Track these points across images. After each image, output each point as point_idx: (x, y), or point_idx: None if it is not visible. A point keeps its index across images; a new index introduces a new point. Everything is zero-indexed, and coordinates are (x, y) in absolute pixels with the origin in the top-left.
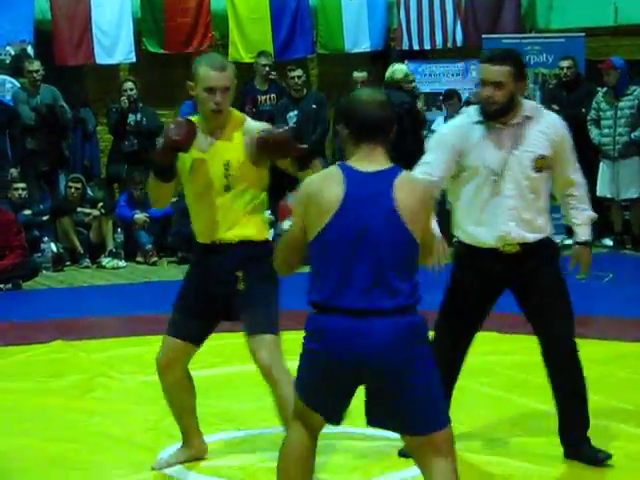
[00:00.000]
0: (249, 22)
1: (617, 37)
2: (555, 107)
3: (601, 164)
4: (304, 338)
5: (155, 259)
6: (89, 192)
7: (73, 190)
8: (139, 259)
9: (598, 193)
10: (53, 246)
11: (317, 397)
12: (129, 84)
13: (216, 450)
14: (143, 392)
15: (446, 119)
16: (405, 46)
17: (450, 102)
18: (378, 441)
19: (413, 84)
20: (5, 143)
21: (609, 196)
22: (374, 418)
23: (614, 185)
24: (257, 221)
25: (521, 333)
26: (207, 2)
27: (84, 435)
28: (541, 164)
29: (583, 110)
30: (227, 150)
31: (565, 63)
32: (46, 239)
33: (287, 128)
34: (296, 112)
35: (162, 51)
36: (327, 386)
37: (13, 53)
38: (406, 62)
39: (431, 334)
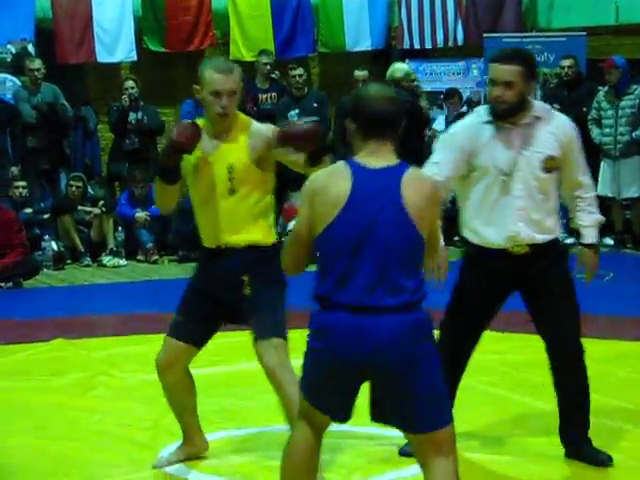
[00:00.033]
0: (250, 20)
1: (618, 36)
2: (556, 106)
3: (602, 163)
4: (308, 336)
5: (156, 257)
6: (90, 190)
7: (74, 188)
8: (140, 257)
9: (599, 192)
10: (54, 244)
11: (322, 396)
12: (130, 82)
13: (217, 448)
14: (144, 390)
15: (447, 118)
16: (406, 45)
17: (451, 101)
18: (379, 440)
19: (415, 83)
20: (6, 141)
21: (610, 195)
22: (378, 414)
23: (615, 184)
24: (263, 225)
25: (520, 332)
26: (208, 0)
27: (85, 433)
28: (550, 165)
29: (584, 109)
30: (231, 153)
31: (566, 62)
32: (47, 237)
33: (315, 120)
34: (297, 111)
35: (163, 49)
36: (331, 385)
37: (14, 51)
38: (407, 61)
39: (437, 333)
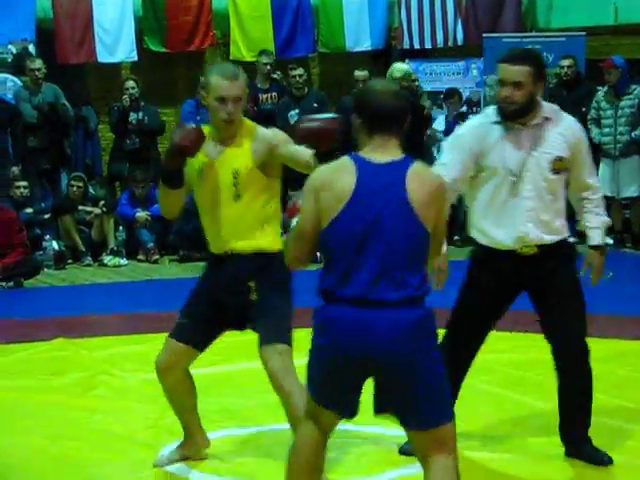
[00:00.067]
0: (250, 20)
1: (617, 36)
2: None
3: (601, 163)
4: (312, 332)
5: (156, 257)
6: (91, 190)
7: (75, 188)
8: (140, 257)
9: None
10: (55, 244)
11: (327, 392)
12: (131, 82)
13: (217, 447)
14: (144, 390)
15: (447, 118)
16: (406, 45)
17: (451, 101)
18: (380, 439)
19: (416, 83)
20: (7, 141)
21: (609, 194)
22: (380, 408)
23: (614, 184)
24: (270, 232)
25: (519, 331)
26: (208, 1)
27: (85, 433)
28: (559, 166)
29: (583, 109)
30: (236, 158)
31: (565, 62)
32: (48, 237)
33: (336, 116)
34: (297, 111)
35: (164, 49)
36: (336, 380)
37: (15, 51)
38: (407, 61)
39: (442, 332)
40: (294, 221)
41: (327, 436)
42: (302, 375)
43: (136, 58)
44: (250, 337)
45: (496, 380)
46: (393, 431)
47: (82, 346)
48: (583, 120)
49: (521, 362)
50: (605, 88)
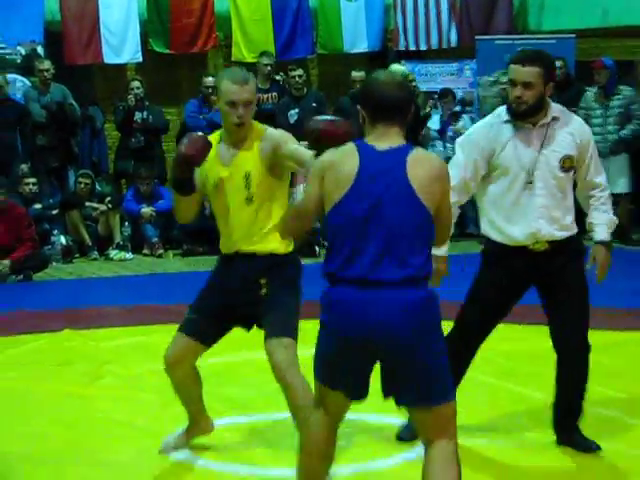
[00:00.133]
0: (251, 23)
1: (606, 38)
2: None
3: None
4: (320, 313)
5: (161, 252)
6: (97, 187)
7: (83, 185)
8: (145, 252)
9: None
10: (62, 239)
11: (333, 373)
12: (136, 83)
13: (220, 435)
14: (149, 379)
15: (441, 117)
16: (402, 46)
17: (445, 100)
18: (382, 427)
19: (413, 83)
20: (16, 140)
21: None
22: (388, 391)
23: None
24: None
25: (510, 323)
26: (211, 4)
27: (92, 421)
28: (568, 164)
29: (574, 109)
30: (247, 161)
31: (556, 63)
32: (56, 232)
33: (345, 120)
34: (297, 110)
35: (168, 51)
36: (341, 361)
37: (24, 53)
38: (403, 62)
39: (446, 324)
40: (297, 193)
41: (337, 424)
42: (307, 368)
43: (141, 59)
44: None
45: (491, 371)
46: (396, 420)
47: (89, 337)
48: None
49: (510, 352)
50: (594, 89)
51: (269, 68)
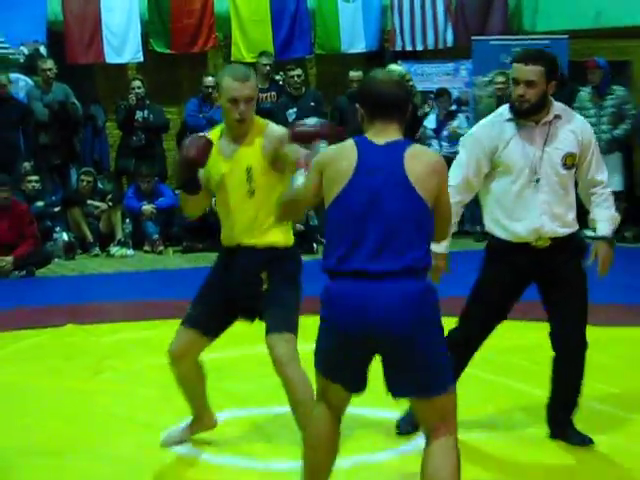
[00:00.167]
0: (251, 24)
1: (599, 39)
2: None
3: None
4: (320, 308)
5: (161, 248)
6: (99, 185)
7: (85, 183)
8: (146, 248)
9: None
10: (65, 235)
11: (333, 367)
12: (137, 82)
13: (220, 429)
14: (150, 373)
15: (438, 116)
16: (398, 47)
17: (441, 100)
18: (380, 421)
19: (410, 83)
20: (19, 138)
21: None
22: (388, 383)
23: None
24: (282, 227)
25: (508, 319)
26: (211, 4)
27: (94, 415)
28: (570, 161)
29: None
30: (249, 156)
31: None
32: (58, 229)
33: (326, 122)
34: (295, 109)
35: (168, 51)
36: (340, 355)
37: (27, 52)
38: (400, 62)
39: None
40: (299, 178)
41: (340, 417)
42: (307, 362)
43: (142, 59)
44: (247, 326)
45: (488, 367)
46: (392, 414)
47: (91, 332)
48: None
49: (512, 349)
50: (588, 88)
51: (268, 68)
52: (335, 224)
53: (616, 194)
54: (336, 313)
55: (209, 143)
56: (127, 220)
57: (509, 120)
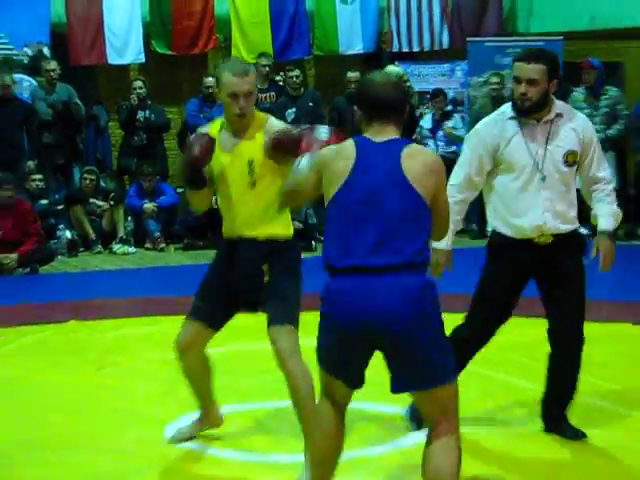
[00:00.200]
0: (250, 25)
1: (593, 41)
2: None
3: None
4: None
5: (163, 246)
6: (102, 183)
7: (88, 181)
8: (148, 246)
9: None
10: (68, 233)
11: (334, 363)
12: (139, 83)
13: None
14: (152, 368)
15: (433, 116)
16: (395, 48)
17: (436, 100)
18: (379, 415)
19: (408, 84)
20: (23, 138)
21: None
22: (390, 380)
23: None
24: (282, 218)
25: None
26: (211, 6)
27: (97, 409)
28: (572, 159)
29: None
30: (250, 150)
31: None
32: (61, 227)
33: (302, 129)
34: (294, 109)
35: (169, 52)
36: (341, 352)
37: (31, 54)
38: (397, 63)
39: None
40: (302, 161)
41: (343, 412)
42: (309, 356)
43: (144, 60)
44: (248, 321)
45: (485, 363)
46: (389, 408)
47: (94, 328)
48: None
49: (509, 345)
50: (581, 89)
51: (267, 69)
52: (335, 222)
53: None
54: (336, 310)
55: (212, 142)
56: (129, 218)
57: (511, 118)
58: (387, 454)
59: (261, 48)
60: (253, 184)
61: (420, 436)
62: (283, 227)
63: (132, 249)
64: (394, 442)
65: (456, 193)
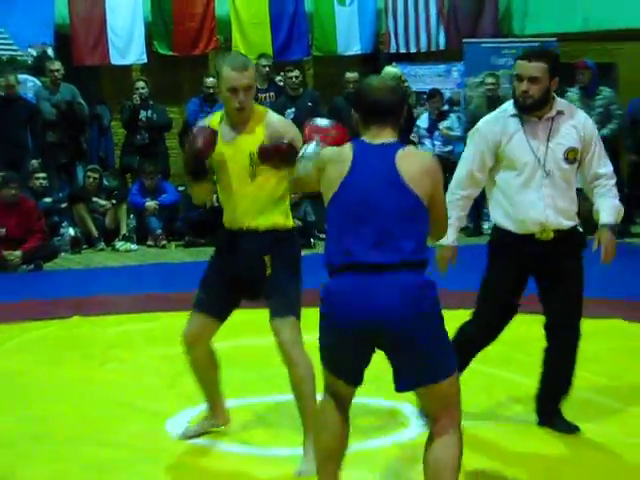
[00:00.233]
0: (250, 27)
1: (586, 42)
2: None
3: None
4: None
5: (164, 243)
6: (105, 182)
7: (91, 180)
8: (150, 243)
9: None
10: (71, 231)
11: (335, 362)
12: (141, 83)
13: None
14: (154, 363)
15: (430, 115)
16: (393, 49)
17: (433, 100)
18: (379, 409)
19: (405, 84)
20: (27, 137)
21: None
22: (393, 378)
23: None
24: (282, 209)
25: None
26: (212, 8)
27: (101, 403)
28: (572, 156)
29: None
30: (250, 143)
31: None
32: (65, 224)
33: (286, 141)
34: (293, 109)
35: (171, 53)
36: (341, 352)
37: (35, 54)
38: (394, 64)
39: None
40: (308, 149)
41: (347, 408)
42: (309, 351)
43: (146, 61)
44: (248, 316)
45: (486, 359)
46: (389, 403)
47: (96, 324)
48: None
49: (508, 341)
50: (576, 89)
51: (267, 69)
52: (334, 222)
53: None
54: (335, 311)
55: (214, 134)
56: (131, 216)
57: (513, 116)
58: (386, 447)
59: (261, 49)
60: (253, 176)
61: (419, 430)
62: (283, 217)
63: (134, 246)
64: (393, 435)
65: (459, 189)
